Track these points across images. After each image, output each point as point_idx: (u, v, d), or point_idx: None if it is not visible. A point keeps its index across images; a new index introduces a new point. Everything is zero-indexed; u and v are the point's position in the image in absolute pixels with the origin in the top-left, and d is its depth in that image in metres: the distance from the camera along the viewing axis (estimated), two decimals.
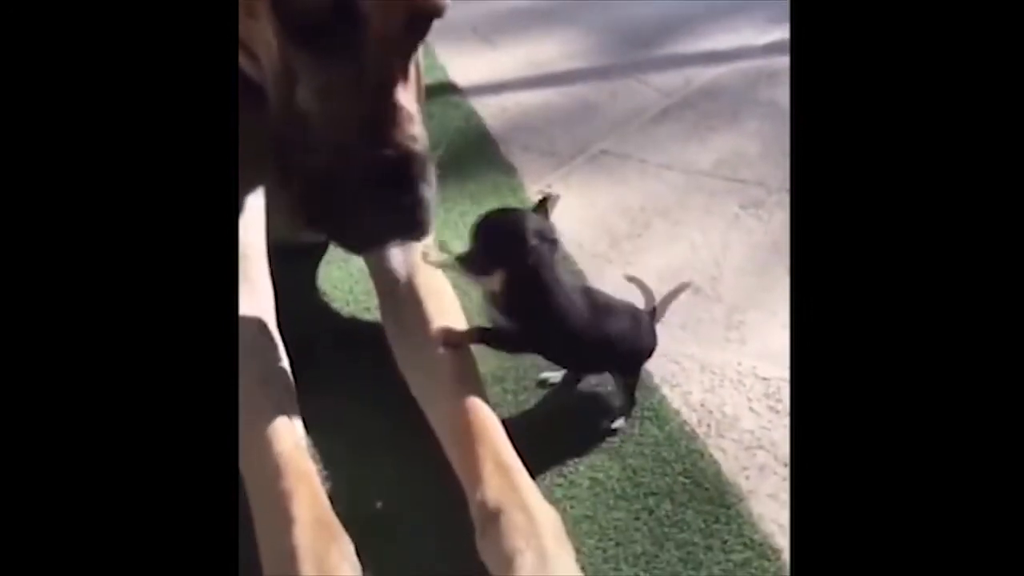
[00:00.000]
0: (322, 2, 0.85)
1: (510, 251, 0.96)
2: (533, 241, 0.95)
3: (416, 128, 0.90)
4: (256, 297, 1.03)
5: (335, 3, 0.85)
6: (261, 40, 0.92)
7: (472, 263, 0.97)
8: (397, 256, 1.10)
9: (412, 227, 0.92)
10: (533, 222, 0.97)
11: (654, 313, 1.10)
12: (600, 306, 1.04)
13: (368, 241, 0.98)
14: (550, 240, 0.98)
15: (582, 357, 1.06)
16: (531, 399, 1.12)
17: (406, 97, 0.91)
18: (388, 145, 0.88)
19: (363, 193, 0.89)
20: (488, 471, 0.88)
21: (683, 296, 1.15)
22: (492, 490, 0.86)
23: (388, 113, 0.88)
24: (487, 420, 0.93)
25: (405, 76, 0.92)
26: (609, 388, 1.11)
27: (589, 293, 1.06)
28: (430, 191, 0.90)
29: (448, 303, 1.09)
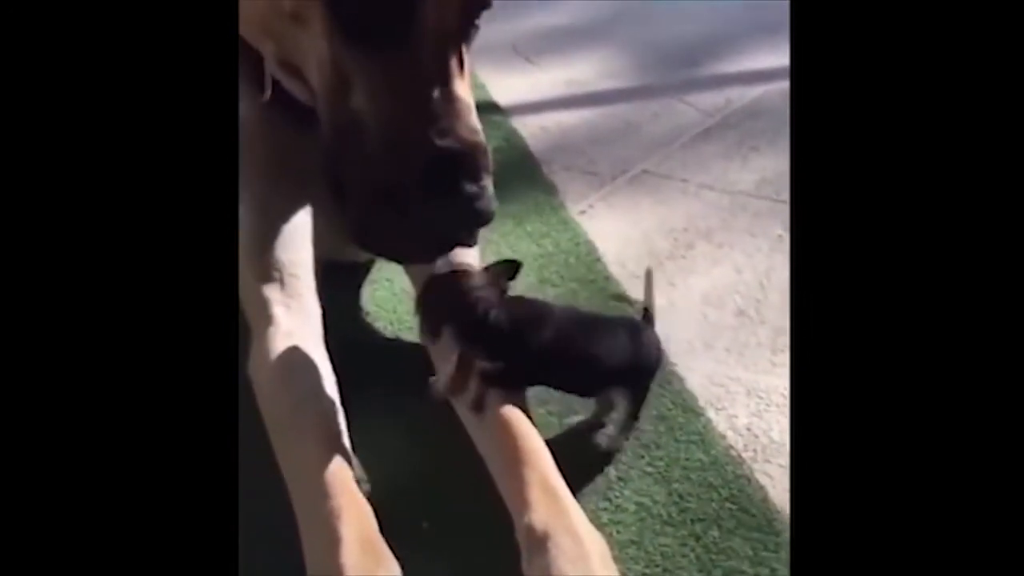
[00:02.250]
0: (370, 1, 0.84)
1: (448, 310, 0.98)
2: (474, 292, 0.97)
3: (474, 119, 0.88)
4: (304, 315, 1.04)
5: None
6: (311, 52, 0.92)
7: (424, 334, 1.02)
8: None
9: (478, 217, 0.89)
10: (470, 278, 0.99)
11: (650, 319, 1.09)
12: (587, 324, 1.04)
13: (430, 246, 0.94)
14: (495, 286, 1.00)
15: (575, 379, 1.05)
16: (575, 421, 1.12)
17: (463, 88, 0.89)
18: (450, 137, 0.85)
19: (427, 189, 0.86)
20: (535, 495, 0.87)
21: (728, 319, 1.15)
22: (539, 514, 0.85)
23: (448, 105, 0.86)
24: (534, 443, 0.93)
25: (461, 67, 0.90)
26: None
27: (572, 315, 1.05)
28: (491, 183, 0.88)
29: None
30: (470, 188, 0.86)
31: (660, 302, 1.33)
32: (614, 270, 1.42)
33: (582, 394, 1.09)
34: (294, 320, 1.02)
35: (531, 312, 1.02)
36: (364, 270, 1.39)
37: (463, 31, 0.91)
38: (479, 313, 0.97)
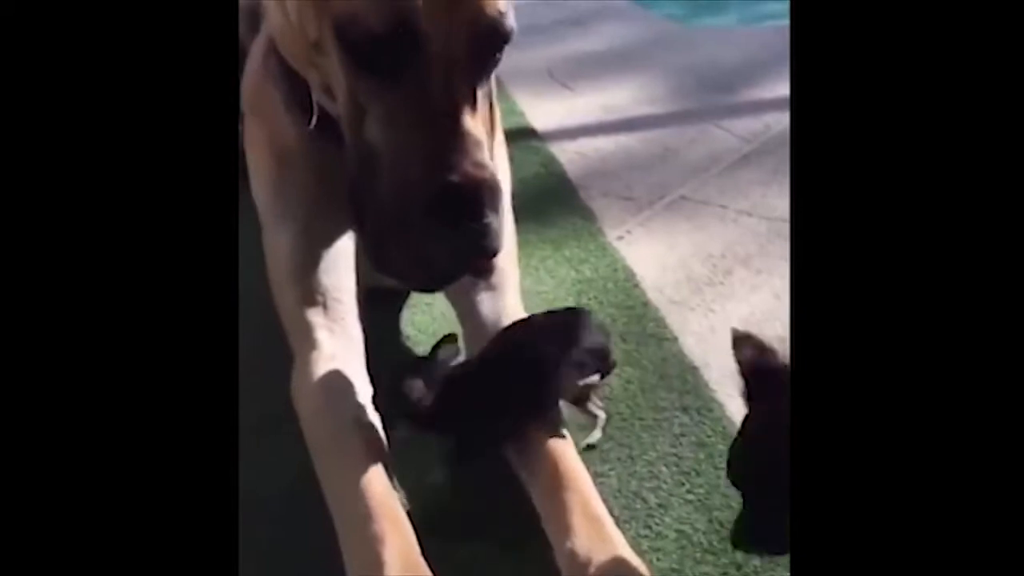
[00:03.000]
0: (383, 24, 0.84)
1: (392, 411, 1.00)
2: (402, 392, 0.98)
3: (483, 155, 0.88)
4: (347, 339, 1.06)
5: (395, 24, 0.84)
6: (334, 78, 0.93)
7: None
8: (486, 303, 1.11)
9: (479, 254, 0.89)
10: (406, 370, 1.00)
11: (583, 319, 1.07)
12: (509, 357, 1.02)
13: (436, 277, 0.95)
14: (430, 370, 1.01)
15: (530, 405, 1.02)
16: (615, 448, 1.12)
17: (473, 124, 0.89)
18: (454, 172, 0.85)
19: (429, 223, 0.86)
20: (578, 521, 0.87)
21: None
22: (582, 540, 0.86)
23: (453, 140, 0.86)
24: (576, 469, 0.94)
25: (472, 104, 0.90)
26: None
27: (502, 356, 1.03)
28: (497, 219, 0.88)
29: None
30: (471, 225, 0.86)
31: (698, 328, 1.34)
32: (652, 296, 1.42)
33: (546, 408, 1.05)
34: (337, 344, 1.04)
35: (454, 385, 1.00)
36: (404, 294, 1.40)
37: (474, 65, 0.90)
38: (414, 407, 0.98)
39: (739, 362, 0.86)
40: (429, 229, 0.86)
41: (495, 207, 0.87)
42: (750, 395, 0.85)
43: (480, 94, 0.93)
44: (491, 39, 0.90)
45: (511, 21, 0.90)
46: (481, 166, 0.87)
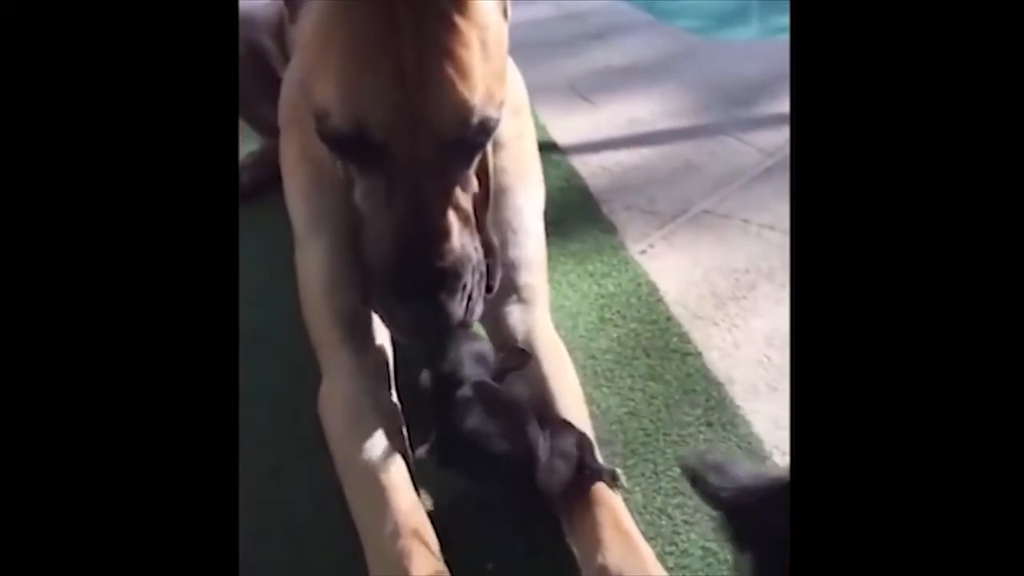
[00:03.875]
0: (346, 126, 0.86)
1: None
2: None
3: (449, 243, 0.91)
4: (375, 355, 1.06)
5: (356, 128, 0.86)
6: None
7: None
8: (515, 315, 1.12)
9: (437, 331, 0.94)
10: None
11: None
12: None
13: (403, 336, 1.00)
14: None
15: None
16: (639, 463, 1.12)
17: (443, 212, 0.92)
18: (414, 257, 0.90)
19: (388, 297, 0.93)
20: (609, 535, 0.87)
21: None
22: (613, 555, 0.86)
23: (418, 229, 0.90)
24: (604, 484, 0.93)
25: (445, 195, 0.92)
26: None
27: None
28: (454, 300, 0.92)
29: (564, 362, 1.10)
30: (424, 308, 0.91)
31: (722, 343, 1.34)
32: (676, 311, 1.42)
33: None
34: (366, 360, 1.05)
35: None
36: None
37: (448, 165, 0.91)
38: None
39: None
40: (388, 301, 0.94)
41: (452, 290, 0.92)
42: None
43: (467, 177, 0.95)
44: (462, 144, 0.90)
45: (494, 113, 0.89)
46: (445, 255, 0.91)
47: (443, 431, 0.96)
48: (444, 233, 0.91)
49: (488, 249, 0.99)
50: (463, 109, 0.86)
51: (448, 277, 0.91)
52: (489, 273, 0.99)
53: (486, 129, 0.90)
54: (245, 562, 0.71)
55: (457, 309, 0.93)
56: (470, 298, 0.95)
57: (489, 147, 0.98)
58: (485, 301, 1.00)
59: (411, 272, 0.91)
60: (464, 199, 0.95)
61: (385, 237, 0.92)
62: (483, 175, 0.99)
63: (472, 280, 0.95)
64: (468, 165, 0.95)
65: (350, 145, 0.89)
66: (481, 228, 0.98)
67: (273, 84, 1.57)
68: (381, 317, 0.99)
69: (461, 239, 0.93)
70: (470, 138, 0.90)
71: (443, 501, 1.05)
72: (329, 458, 1.03)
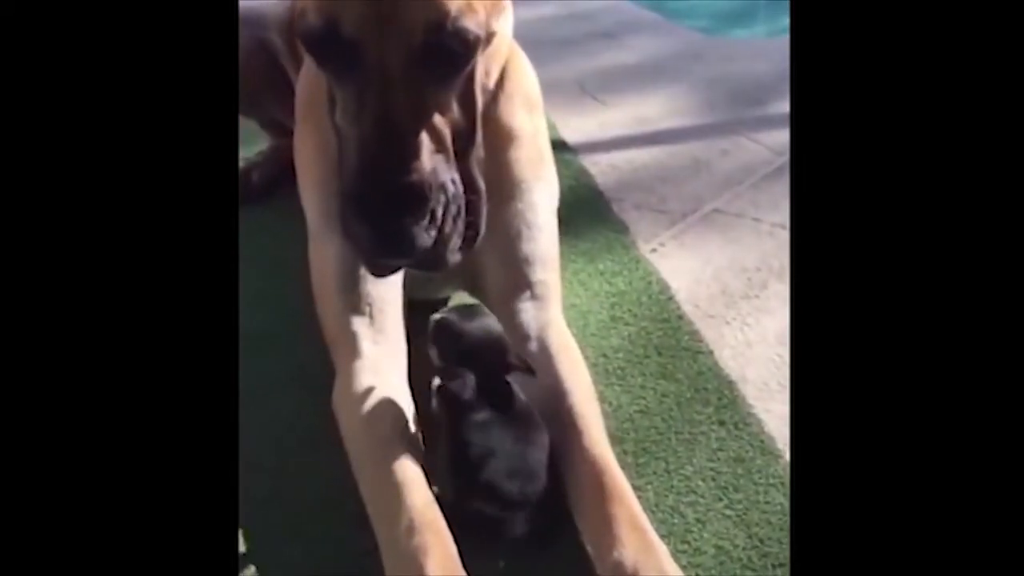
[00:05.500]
0: (317, 21, 0.85)
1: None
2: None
3: (418, 161, 0.88)
4: (390, 350, 1.06)
5: (326, 23, 0.85)
6: None
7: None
8: (528, 311, 1.12)
9: (396, 255, 0.90)
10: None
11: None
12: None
13: (371, 264, 0.97)
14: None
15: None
16: (651, 462, 1.12)
17: (413, 129, 0.88)
18: (380, 174, 0.87)
19: (352, 217, 0.89)
20: (624, 532, 0.88)
21: None
22: (629, 551, 0.86)
23: (385, 143, 0.87)
24: (620, 481, 0.94)
25: (416, 111, 0.89)
26: None
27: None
28: (420, 225, 0.88)
29: (577, 358, 1.10)
30: (386, 227, 0.87)
31: (734, 342, 1.34)
32: (687, 309, 1.42)
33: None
34: (380, 354, 1.05)
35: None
36: (442, 306, 1.41)
37: (422, 76, 0.88)
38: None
39: None
40: (352, 222, 0.89)
41: (416, 212, 0.87)
42: None
43: (445, 99, 0.92)
44: (436, 53, 0.87)
45: (472, 26, 0.87)
46: (410, 172, 0.87)
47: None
48: (412, 150, 0.88)
49: (472, 186, 0.95)
50: (436, 12, 0.84)
51: (411, 197, 0.87)
52: (473, 211, 0.95)
53: (464, 42, 0.87)
54: (244, 560, 0.71)
55: (422, 235, 0.88)
56: (441, 230, 0.90)
57: (477, 84, 0.94)
58: (469, 244, 0.95)
59: (373, 187, 0.87)
60: (441, 123, 0.91)
61: (352, 151, 0.89)
62: (470, 107, 0.95)
63: (446, 211, 0.90)
64: (445, 84, 0.91)
65: (323, 44, 0.87)
66: (465, 163, 0.94)
67: (283, 82, 1.58)
68: (347, 238, 0.93)
69: (433, 162, 0.89)
70: (444, 47, 0.87)
71: None
72: (330, 457, 1.03)
